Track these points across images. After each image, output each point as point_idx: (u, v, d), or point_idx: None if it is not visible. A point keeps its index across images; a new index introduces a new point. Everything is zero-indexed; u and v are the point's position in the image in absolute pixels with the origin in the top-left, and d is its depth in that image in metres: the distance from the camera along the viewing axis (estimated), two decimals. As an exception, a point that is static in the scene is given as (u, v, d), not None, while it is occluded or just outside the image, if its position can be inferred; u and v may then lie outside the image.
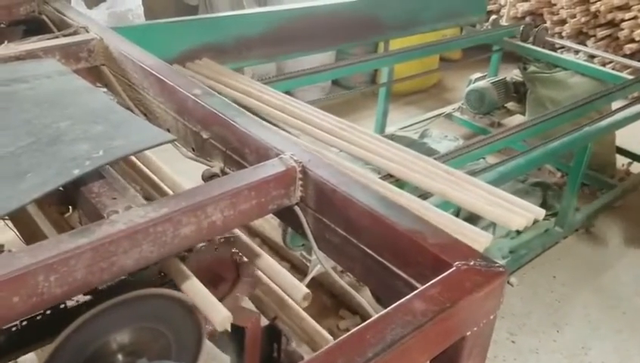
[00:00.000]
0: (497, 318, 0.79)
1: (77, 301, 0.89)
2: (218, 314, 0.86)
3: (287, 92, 4.00)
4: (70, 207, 1.09)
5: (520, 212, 1.59)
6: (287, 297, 1.07)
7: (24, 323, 0.88)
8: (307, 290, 0.96)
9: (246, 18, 2.63)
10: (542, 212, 1.62)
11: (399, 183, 1.72)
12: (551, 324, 2.60)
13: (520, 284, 2.79)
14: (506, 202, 1.63)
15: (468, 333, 0.75)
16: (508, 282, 2.74)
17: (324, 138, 1.89)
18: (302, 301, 0.95)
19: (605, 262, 2.97)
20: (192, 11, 4.37)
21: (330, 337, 1.12)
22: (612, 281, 2.84)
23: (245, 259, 1.04)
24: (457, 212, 1.94)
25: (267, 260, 1.02)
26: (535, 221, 1.61)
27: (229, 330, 0.95)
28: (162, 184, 1.14)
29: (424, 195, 1.70)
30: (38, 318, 0.89)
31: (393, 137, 3.26)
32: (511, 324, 2.56)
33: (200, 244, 0.96)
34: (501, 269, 0.78)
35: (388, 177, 1.75)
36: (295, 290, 0.97)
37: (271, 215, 1.00)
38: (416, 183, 1.69)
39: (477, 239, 1.55)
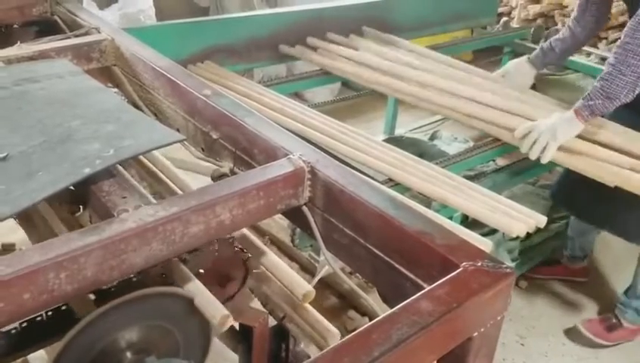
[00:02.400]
0: (506, 321, 0.79)
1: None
2: (217, 313, 0.86)
3: (297, 93, 4.02)
4: (81, 206, 1.10)
5: (522, 219, 1.59)
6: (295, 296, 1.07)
7: (33, 321, 0.89)
8: (310, 288, 0.96)
9: (257, 19, 2.64)
10: (543, 219, 1.61)
11: (400, 188, 1.72)
12: (561, 327, 2.59)
13: (529, 287, 2.78)
14: (507, 208, 1.63)
15: (475, 334, 0.75)
16: (517, 285, 2.73)
17: (324, 141, 1.89)
18: (304, 298, 0.95)
19: (615, 265, 2.95)
20: (203, 13, 4.38)
21: (337, 333, 1.12)
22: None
23: (250, 256, 1.04)
24: (465, 218, 1.93)
25: (270, 257, 1.02)
26: (538, 229, 1.61)
27: (236, 328, 0.95)
28: (171, 184, 1.15)
29: (425, 200, 1.69)
30: (47, 315, 0.90)
31: (402, 138, 3.25)
32: (520, 327, 2.55)
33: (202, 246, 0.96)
34: (508, 270, 0.78)
35: (389, 182, 1.75)
36: (297, 287, 0.97)
37: (280, 215, 1.01)
38: (417, 188, 1.69)
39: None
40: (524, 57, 2.56)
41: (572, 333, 2.53)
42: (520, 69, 2.53)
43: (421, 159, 1.85)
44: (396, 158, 1.83)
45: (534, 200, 2.93)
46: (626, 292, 2.51)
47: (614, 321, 2.51)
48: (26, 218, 1.13)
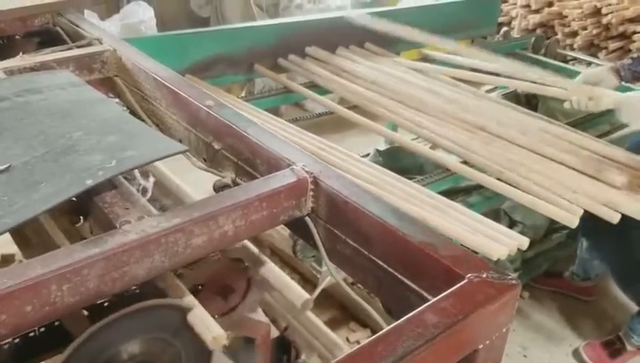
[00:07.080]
0: (508, 331, 0.78)
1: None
2: (210, 332, 0.82)
3: (297, 103, 4.02)
4: (82, 217, 1.09)
5: (503, 240, 1.53)
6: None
7: (34, 333, 0.89)
8: (308, 296, 0.95)
9: (258, 30, 2.65)
10: (525, 241, 1.56)
11: None
12: (564, 338, 2.57)
13: (531, 297, 2.76)
14: (489, 229, 1.58)
15: (480, 346, 0.74)
16: (520, 295, 2.72)
17: None
18: (302, 308, 0.94)
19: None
20: (204, 23, 4.40)
21: (343, 345, 1.12)
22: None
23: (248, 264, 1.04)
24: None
25: (268, 266, 1.01)
26: (519, 250, 1.57)
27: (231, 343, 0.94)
28: (173, 195, 1.15)
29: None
30: (48, 328, 0.90)
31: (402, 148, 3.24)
32: (522, 338, 2.54)
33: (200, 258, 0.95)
34: (513, 281, 0.77)
35: None
36: (295, 297, 0.95)
37: (281, 226, 1.01)
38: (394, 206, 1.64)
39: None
40: None
41: (575, 355, 2.48)
42: None
43: (401, 177, 1.80)
44: (373, 175, 1.79)
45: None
46: (635, 316, 2.42)
47: (618, 345, 2.42)
48: (28, 229, 1.12)
